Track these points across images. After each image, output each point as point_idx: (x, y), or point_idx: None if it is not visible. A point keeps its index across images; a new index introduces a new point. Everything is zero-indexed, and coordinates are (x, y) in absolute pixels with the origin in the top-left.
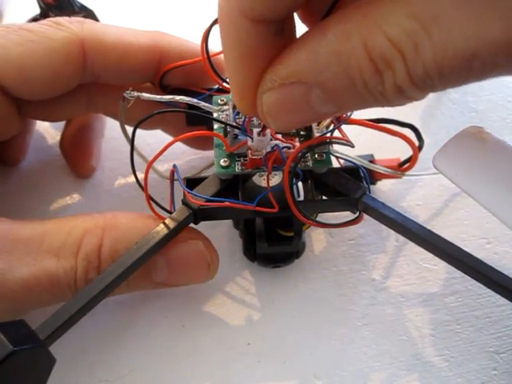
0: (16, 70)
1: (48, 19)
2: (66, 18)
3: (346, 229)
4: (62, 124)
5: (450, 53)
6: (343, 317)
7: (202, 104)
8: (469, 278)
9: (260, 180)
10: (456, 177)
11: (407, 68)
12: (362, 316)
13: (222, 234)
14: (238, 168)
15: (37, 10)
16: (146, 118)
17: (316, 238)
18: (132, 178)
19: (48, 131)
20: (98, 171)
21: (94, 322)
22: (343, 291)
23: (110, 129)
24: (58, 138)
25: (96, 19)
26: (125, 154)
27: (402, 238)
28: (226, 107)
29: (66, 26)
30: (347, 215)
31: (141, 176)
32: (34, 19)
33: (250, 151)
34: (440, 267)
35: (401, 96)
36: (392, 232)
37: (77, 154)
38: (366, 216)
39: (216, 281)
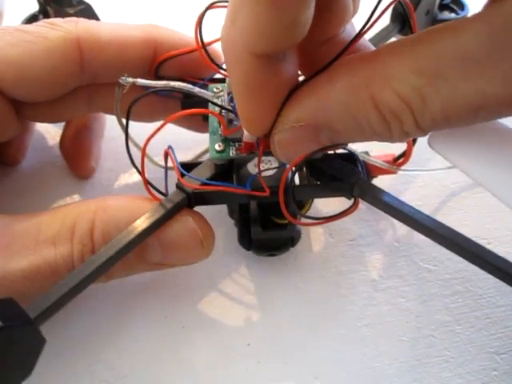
0: (13, 71)
1: (42, 20)
2: (60, 19)
3: (346, 229)
4: (61, 124)
5: (458, 105)
6: (343, 317)
7: (197, 90)
8: (469, 278)
9: (254, 169)
10: (452, 156)
11: (415, 118)
12: (361, 316)
13: (218, 228)
14: (232, 153)
15: (36, 7)
16: (140, 97)
17: (316, 239)
18: (132, 179)
19: (48, 131)
20: (97, 172)
21: (94, 323)
22: (343, 292)
23: (110, 129)
24: (57, 138)
25: (94, 13)
26: (124, 155)
27: (402, 239)
28: (221, 93)
29: (61, 26)
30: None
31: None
32: (33, 16)
33: (244, 135)
34: (440, 268)
35: (406, 138)
36: (392, 232)
37: (76, 155)
38: (365, 216)
39: (216, 281)
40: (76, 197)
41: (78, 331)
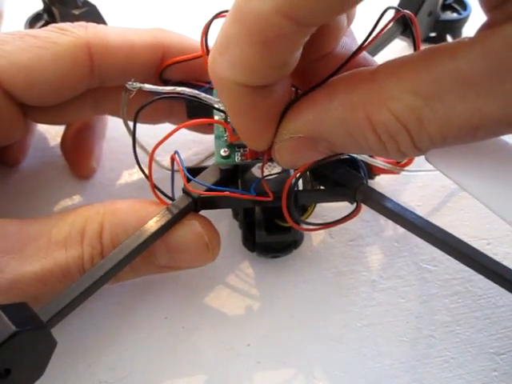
0: (23, 76)
1: (52, 25)
2: (69, 24)
3: (346, 230)
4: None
5: (456, 125)
6: (343, 318)
7: (203, 95)
8: (469, 278)
9: (259, 171)
10: (449, 170)
11: (412, 139)
12: (361, 317)
13: (221, 228)
14: (237, 158)
15: (39, 6)
16: (147, 103)
17: (316, 239)
18: (133, 178)
19: (49, 132)
20: (98, 172)
21: (94, 323)
22: (343, 292)
23: (111, 129)
24: (58, 138)
25: (99, 15)
26: (126, 155)
27: (402, 239)
28: None
29: (71, 31)
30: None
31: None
32: (38, 14)
33: None
34: (440, 268)
35: (403, 157)
36: (392, 233)
37: (78, 155)
38: (365, 217)
39: (216, 281)
40: (77, 197)
41: (78, 331)
